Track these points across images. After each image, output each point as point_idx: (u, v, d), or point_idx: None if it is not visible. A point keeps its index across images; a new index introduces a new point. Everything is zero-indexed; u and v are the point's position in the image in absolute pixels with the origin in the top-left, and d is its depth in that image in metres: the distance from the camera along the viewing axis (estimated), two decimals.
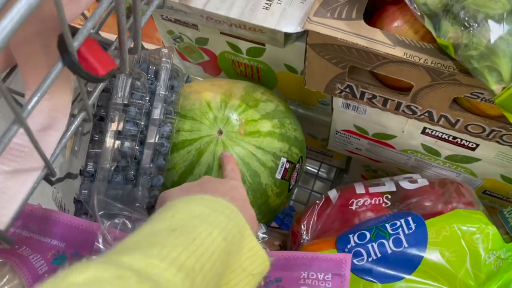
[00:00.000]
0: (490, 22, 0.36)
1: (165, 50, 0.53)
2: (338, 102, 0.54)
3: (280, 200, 0.61)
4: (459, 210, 0.46)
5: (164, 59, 0.52)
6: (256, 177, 0.55)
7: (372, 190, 0.53)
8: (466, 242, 0.43)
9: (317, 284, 0.40)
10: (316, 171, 0.87)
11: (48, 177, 0.33)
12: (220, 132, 0.55)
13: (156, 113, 0.51)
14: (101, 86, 0.32)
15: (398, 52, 0.42)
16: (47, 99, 0.29)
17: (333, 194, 0.55)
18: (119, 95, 0.49)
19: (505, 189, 0.56)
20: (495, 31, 0.35)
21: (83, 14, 0.49)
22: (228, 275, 0.34)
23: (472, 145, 0.50)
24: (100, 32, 0.49)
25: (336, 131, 0.62)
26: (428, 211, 0.49)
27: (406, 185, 0.52)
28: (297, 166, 0.61)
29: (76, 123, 0.31)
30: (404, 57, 0.41)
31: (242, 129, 0.55)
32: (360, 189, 0.54)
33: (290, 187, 0.62)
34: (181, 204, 0.35)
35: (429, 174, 0.60)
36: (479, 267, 0.42)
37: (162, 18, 0.60)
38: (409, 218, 0.46)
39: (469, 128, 0.47)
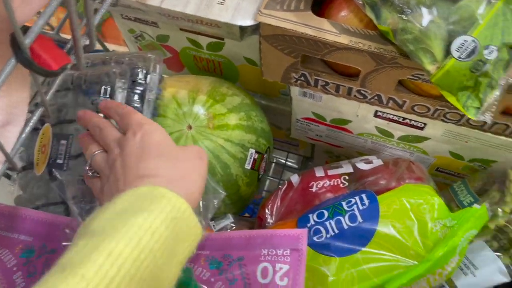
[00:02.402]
0: (422, 7, 0.39)
1: (153, 56, 0.54)
2: (295, 91, 0.57)
3: (250, 189, 0.63)
4: (408, 184, 0.49)
5: (152, 65, 0.53)
6: (226, 169, 0.57)
7: (330, 172, 0.56)
8: (414, 213, 0.46)
9: (276, 259, 0.42)
10: (284, 161, 0.90)
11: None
12: (190, 127, 0.56)
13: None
14: (57, 82, 0.34)
15: (344, 39, 0.44)
16: (4, 96, 0.30)
17: (295, 179, 0.58)
18: None
19: (456, 165, 0.60)
20: (427, 15, 0.39)
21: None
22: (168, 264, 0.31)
23: (421, 124, 0.53)
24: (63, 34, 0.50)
25: (297, 119, 0.64)
26: (382, 188, 0.52)
27: (362, 166, 0.55)
28: (265, 156, 0.64)
29: (34, 118, 0.32)
30: (350, 44, 0.44)
31: (211, 123, 0.57)
32: (319, 172, 0.56)
33: (259, 177, 0.64)
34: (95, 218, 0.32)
35: (386, 155, 0.64)
36: (427, 235, 0.45)
37: (122, 17, 0.62)
38: (363, 195, 0.49)
39: (415, 108, 0.50)
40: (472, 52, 0.38)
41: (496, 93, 0.39)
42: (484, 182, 0.55)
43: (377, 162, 0.55)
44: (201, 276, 0.42)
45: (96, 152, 0.41)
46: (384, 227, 0.46)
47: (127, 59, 0.53)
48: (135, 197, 0.33)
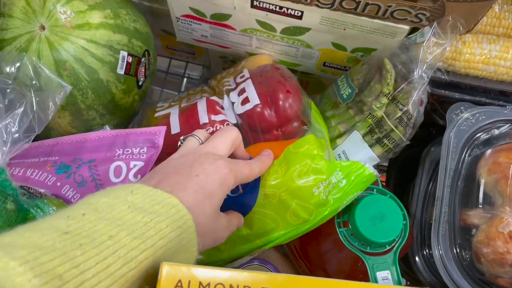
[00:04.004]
0: None
1: None
2: None
3: (130, 97, 0.58)
4: (289, 148, 0.46)
5: None
6: (93, 74, 0.52)
7: (215, 118, 0.53)
8: (298, 184, 0.44)
9: (131, 157, 0.39)
10: (182, 71, 0.85)
11: None
12: (43, 28, 0.50)
13: None
14: None
15: None
16: None
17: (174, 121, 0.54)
18: None
19: (340, 57, 0.58)
20: None
21: None
22: None
23: (298, 13, 0.50)
24: None
25: (177, 18, 0.59)
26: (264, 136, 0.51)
27: (240, 109, 0.52)
28: (142, 60, 0.58)
29: None
30: None
31: (69, 22, 0.51)
32: (204, 118, 0.53)
33: (140, 83, 0.59)
34: (102, 200, 0.31)
35: (272, 52, 0.61)
36: (307, 200, 0.44)
37: None
38: None
39: None
40: None
41: None
42: (366, 74, 0.54)
43: (252, 99, 0.52)
44: (46, 182, 0.39)
45: (197, 137, 0.42)
46: (263, 197, 0.45)
47: None
48: (146, 197, 0.32)
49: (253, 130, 0.53)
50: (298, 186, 0.44)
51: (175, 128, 0.54)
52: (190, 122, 0.54)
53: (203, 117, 0.53)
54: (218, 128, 0.52)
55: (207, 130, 0.52)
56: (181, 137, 0.45)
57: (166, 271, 0.27)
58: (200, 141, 0.43)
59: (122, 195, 0.31)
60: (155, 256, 0.29)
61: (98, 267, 0.26)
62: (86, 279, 0.25)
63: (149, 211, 0.30)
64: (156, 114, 0.60)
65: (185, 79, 0.87)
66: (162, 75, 0.85)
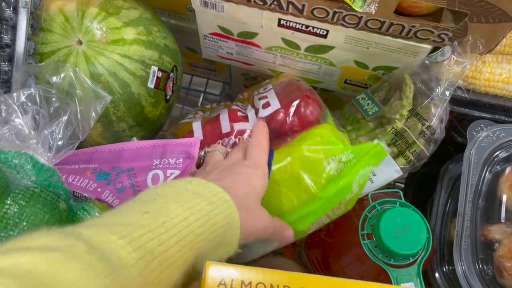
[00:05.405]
0: None
1: None
2: (195, 1, 0.54)
3: (158, 111, 0.60)
4: (303, 133, 0.49)
5: None
6: (126, 87, 0.54)
7: (237, 126, 0.54)
8: (308, 155, 0.47)
9: (168, 167, 0.41)
10: (203, 88, 0.87)
11: None
12: (80, 42, 0.52)
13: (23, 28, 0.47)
14: None
15: None
16: None
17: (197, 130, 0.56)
18: None
19: (361, 75, 0.60)
20: None
21: None
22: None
23: (323, 32, 0.52)
24: None
25: (204, 35, 0.62)
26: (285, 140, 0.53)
27: (262, 112, 0.54)
28: (171, 75, 0.61)
29: None
30: None
31: (104, 38, 0.53)
32: (226, 127, 0.54)
33: (167, 97, 0.61)
34: (165, 190, 0.34)
35: (292, 72, 0.63)
36: (319, 173, 0.46)
37: None
38: None
39: (315, 12, 0.49)
40: None
41: None
42: (387, 91, 0.56)
43: (273, 103, 0.54)
44: (87, 188, 0.41)
45: (221, 152, 0.47)
46: (275, 171, 0.47)
47: None
48: (205, 188, 0.35)
49: (275, 134, 0.54)
50: (309, 158, 0.46)
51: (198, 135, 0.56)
52: (212, 131, 0.55)
53: (226, 127, 0.55)
54: (239, 138, 0.54)
55: (229, 141, 0.54)
56: (206, 148, 0.47)
57: (211, 270, 0.28)
58: (223, 155, 0.47)
59: (181, 185, 0.34)
60: (205, 247, 0.31)
61: (176, 247, 0.29)
62: (168, 257, 0.28)
63: (210, 200, 0.33)
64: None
65: (202, 96, 0.89)
66: (183, 92, 0.87)
